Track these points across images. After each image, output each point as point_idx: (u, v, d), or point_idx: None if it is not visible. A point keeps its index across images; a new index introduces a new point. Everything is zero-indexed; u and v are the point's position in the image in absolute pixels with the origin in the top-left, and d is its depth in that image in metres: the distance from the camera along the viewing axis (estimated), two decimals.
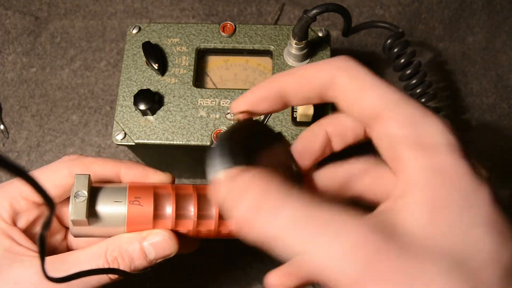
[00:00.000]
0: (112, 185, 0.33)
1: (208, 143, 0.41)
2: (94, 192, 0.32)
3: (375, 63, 0.60)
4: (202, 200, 0.33)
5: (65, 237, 0.38)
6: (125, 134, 0.42)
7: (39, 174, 0.34)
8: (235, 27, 0.45)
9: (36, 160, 0.56)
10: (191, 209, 0.33)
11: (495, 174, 0.54)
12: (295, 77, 0.25)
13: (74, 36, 0.62)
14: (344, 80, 0.24)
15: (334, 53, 0.61)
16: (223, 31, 0.45)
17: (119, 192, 0.32)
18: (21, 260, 0.32)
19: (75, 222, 0.31)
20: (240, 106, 0.26)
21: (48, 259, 0.32)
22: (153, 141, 0.41)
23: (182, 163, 0.49)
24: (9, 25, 0.62)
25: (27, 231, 0.35)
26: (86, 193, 0.31)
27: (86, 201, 0.31)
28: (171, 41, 0.44)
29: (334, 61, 0.24)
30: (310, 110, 0.39)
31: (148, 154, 0.46)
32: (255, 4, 0.63)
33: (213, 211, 0.33)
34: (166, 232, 0.32)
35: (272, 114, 0.41)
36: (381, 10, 0.62)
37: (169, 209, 0.33)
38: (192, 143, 0.41)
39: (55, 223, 0.37)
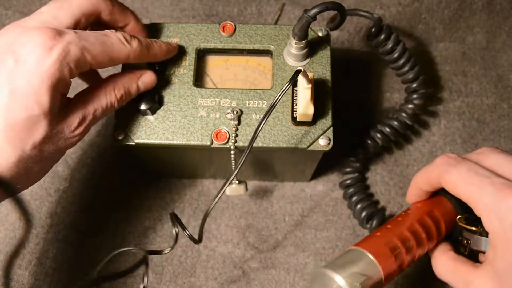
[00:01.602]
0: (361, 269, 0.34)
1: (208, 143, 0.41)
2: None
3: (374, 63, 0.60)
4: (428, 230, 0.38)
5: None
6: (125, 134, 0.42)
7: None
8: (235, 27, 0.45)
9: None
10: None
11: None
12: (421, 179, 0.39)
13: None
14: (444, 180, 0.36)
15: (334, 53, 0.61)
16: (223, 31, 0.44)
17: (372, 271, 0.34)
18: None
19: None
20: (410, 200, 0.42)
21: None
22: (153, 141, 0.41)
23: (181, 163, 0.49)
24: None
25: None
26: None
27: None
28: (171, 41, 0.44)
29: (438, 167, 0.37)
30: (310, 110, 0.39)
31: (148, 154, 0.46)
32: (255, 4, 0.63)
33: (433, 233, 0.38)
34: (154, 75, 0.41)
35: (273, 114, 0.41)
36: (381, 10, 0.62)
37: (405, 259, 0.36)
38: (192, 143, 0.41)
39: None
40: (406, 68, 0.51)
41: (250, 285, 0.50)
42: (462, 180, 0.34)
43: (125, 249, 0.35)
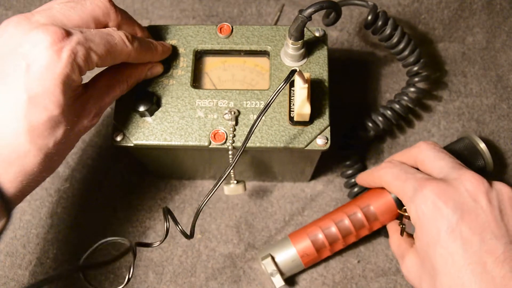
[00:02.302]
0: (284, 255, 0.48)
1: (206, 144, 0.41)
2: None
3: (374, 63, 0.60)
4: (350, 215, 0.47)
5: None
6: (124, 135, 0.42)
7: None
8: (232, 28, 0.45)
9: None
10: (338, 235, 0.47)
11: (495, 175, 0.54)
12: (366, 178, 0.48)
13: None
14: (382, 181, 0.45)
15: (334, 53, 0.61)
16: (220, 32, 0.45)
17: (292, 258, 0.48)
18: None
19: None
20: (358, 182, 0.50)
21: None
22: (151, 142, 0.42)
23: (181, 164, 0.50)
24: None
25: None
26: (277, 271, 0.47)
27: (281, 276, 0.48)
28: (169, 42, 0.45)
29: (379, 169, 0.45)
30: (307, 110, 0.39)
31: (147, 155, 0.47)
32: (255, 5, 0.63)
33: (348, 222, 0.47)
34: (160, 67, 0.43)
35: (270, 114, 0.41)
36: None
37: (325, 246, 0.47)
38: (190, 143, 0.41)
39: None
40: (406, 52, 0.51)
41: (251, 285, 0.50)
42: (394, 178, 0.42)
43: (112, 238, 0.36)
